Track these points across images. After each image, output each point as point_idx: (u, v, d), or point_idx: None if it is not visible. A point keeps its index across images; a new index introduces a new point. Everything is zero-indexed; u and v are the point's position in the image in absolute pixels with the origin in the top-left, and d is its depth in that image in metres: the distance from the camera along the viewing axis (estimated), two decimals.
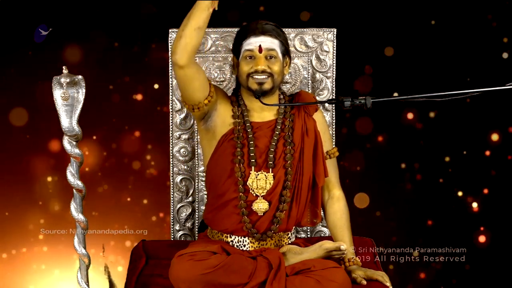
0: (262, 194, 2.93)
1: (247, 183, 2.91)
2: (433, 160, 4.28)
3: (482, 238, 4.30)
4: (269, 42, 2.90)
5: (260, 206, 2.92)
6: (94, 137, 4.19)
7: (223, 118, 2.96)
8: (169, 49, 3.20)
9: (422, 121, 4.26)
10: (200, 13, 2.70)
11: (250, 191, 2.92)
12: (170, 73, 3.26)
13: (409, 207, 4.32)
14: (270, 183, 2.93)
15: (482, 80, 4.07)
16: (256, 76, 2.89)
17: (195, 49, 2.76)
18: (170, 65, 3.25)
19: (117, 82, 4.19)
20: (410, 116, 4.25)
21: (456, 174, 4.29)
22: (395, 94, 4.12)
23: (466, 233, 4.28)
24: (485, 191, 4.29)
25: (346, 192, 3.07)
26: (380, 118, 4.18)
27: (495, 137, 4.25)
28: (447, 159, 4.29)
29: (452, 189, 4.30)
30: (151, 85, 4.18)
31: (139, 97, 4.20)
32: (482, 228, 4.30)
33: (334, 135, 3.32)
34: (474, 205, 4.29)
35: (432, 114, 4.24)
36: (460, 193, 4.30)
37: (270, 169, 2.93)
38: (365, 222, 4.20)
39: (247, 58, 2.91)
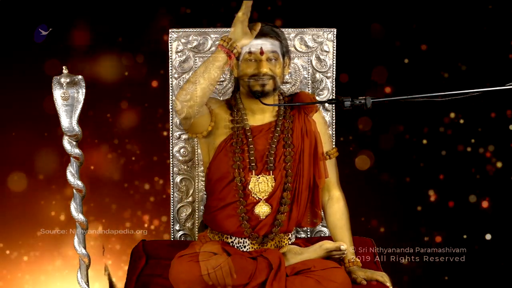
0: (265, 197, 2.92)
1: (249, 187, 2.91)
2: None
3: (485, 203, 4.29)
4: (270, 45, 2.89)
5: (263, 209, 2.92)
6: (96, 137, 4.20)
7: (222, 126, 2.95)
8: (169, 48, 3.21)
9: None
10: (217, 68, 2.73)
11: (252, 195, 2.91)
12: (169, 73, 3.26)
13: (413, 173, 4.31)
14: (271, 186, 2.92)
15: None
16: (258, 78, 2.88)
17: (206, 101, 2.78)
18: (170, 65, 3.25)
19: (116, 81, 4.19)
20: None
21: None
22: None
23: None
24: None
25: (348, 154, 2.99)
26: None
27: None
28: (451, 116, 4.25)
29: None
30: (151, 86, 4.19)
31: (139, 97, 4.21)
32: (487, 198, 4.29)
33: (334, 135, 3.32)
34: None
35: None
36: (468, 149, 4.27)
37: (270, 171, 2.92)
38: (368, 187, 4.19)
39: (248, 60, 2.90)
